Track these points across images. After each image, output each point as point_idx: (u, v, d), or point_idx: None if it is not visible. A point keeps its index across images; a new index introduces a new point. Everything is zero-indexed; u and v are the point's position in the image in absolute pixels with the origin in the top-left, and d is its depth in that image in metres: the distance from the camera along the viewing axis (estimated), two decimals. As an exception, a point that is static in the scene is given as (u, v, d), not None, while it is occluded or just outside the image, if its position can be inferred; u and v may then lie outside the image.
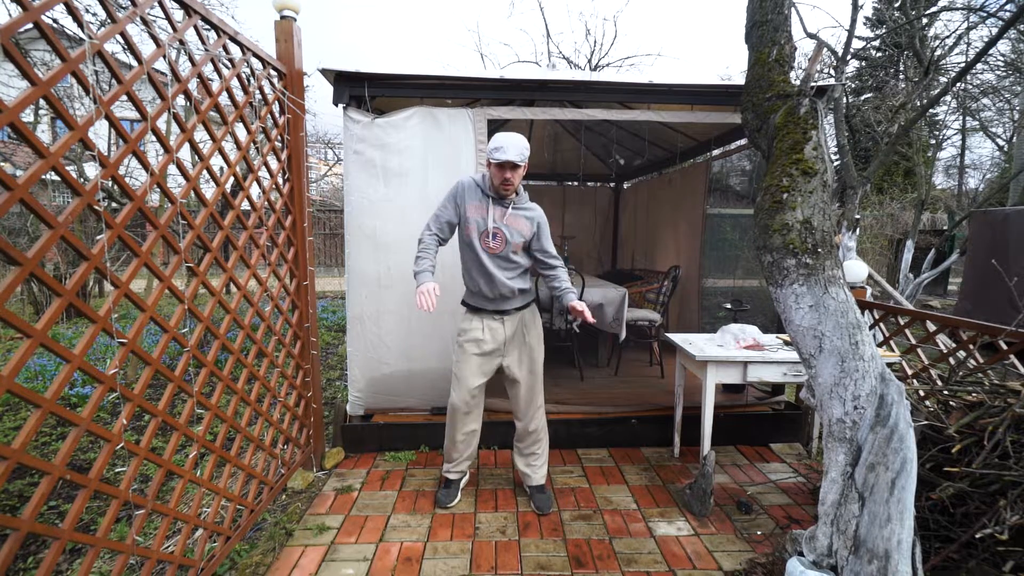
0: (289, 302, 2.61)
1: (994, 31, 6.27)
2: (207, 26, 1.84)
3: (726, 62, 38.81)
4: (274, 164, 2.41)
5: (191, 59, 1.77)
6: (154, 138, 1.63)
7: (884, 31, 11.41)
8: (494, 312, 2.38)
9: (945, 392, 2.18)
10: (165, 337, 1.69)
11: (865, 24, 13.97)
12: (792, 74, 1.97)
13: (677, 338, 2.87)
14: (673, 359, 3.19)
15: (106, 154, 1.55)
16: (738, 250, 4.49)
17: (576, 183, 6.93)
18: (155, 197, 7.00)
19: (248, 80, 2.14)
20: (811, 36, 6.20)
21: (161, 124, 1.65)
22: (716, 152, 4.41)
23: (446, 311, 2.88)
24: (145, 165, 1.54)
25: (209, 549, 1.97)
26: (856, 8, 6.21)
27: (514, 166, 2.17)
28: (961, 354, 2.44)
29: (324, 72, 2.67)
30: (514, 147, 2.14)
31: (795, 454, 3.11)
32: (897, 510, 1.49)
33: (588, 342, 4.43)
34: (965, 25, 7.37)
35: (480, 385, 2.42)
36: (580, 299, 3.81)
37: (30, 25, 1.19)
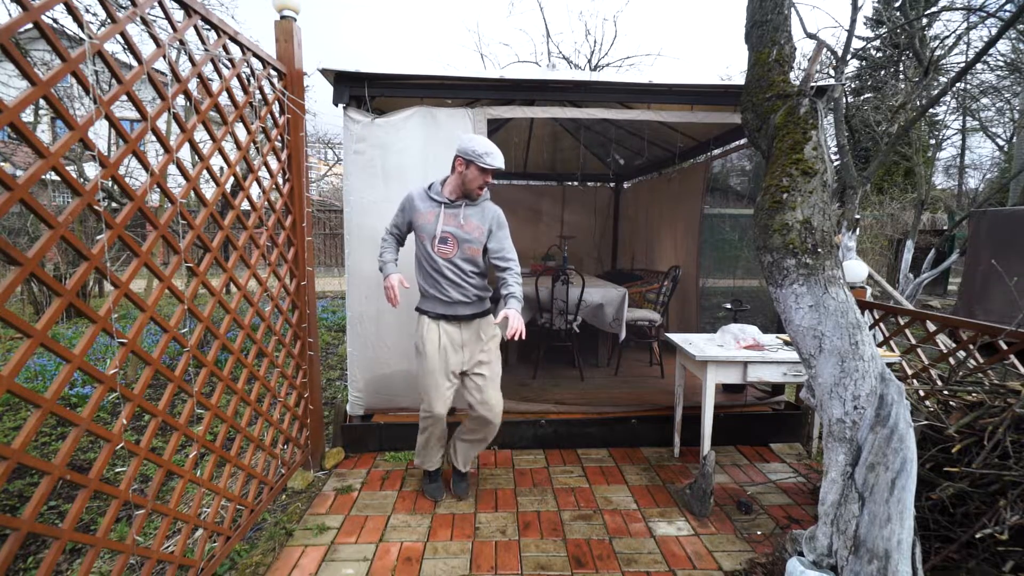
0: (289, 302, 2.61)
1: (994, 31, 6.27)
2: (207, 26, 1.84)
3: (726, 62, 38.78)
4: (274, 164, 2.41)
5: (191, 59, 1.77)
6: (154, 138, 1.63)
7: (884, 31, 11.41)
8: (450, 317, 2.36)
9: (945, 392, 2.18)
10: (165, 337, 1.69)
11: (865, 24, 13.98)
12: (792, 74, 1.97)
13: (677, 338, 2.87)
14: (673, 359, 3.19)
15: (106, 154, 1.55)
16: (738, 250, 4.49)
17: (576, 183, 6.93)
18: (155, 197, 7.00)
19: (248, 80, 2.14)
20: (811, 36, 6.21)
21: (161, 124, 1.64)
22: (716, 152, 4.40)
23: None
24: (145, 165, 1.54)
25: (209, 549, 1.97)
26: (856, 8, 6.22)
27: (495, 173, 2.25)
28: (961, 354, 2.44)
29: (324, 72, 2.67)
30: (500, 156, 2.21)
31: (795, 454, 3.11)
32: (897, 510, 1.49)
33: (588, 342, 4.43)
34: (965, 25, 7.38)
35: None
36: (580, 299, 3.85)
37: (30, 25, 1.19)
